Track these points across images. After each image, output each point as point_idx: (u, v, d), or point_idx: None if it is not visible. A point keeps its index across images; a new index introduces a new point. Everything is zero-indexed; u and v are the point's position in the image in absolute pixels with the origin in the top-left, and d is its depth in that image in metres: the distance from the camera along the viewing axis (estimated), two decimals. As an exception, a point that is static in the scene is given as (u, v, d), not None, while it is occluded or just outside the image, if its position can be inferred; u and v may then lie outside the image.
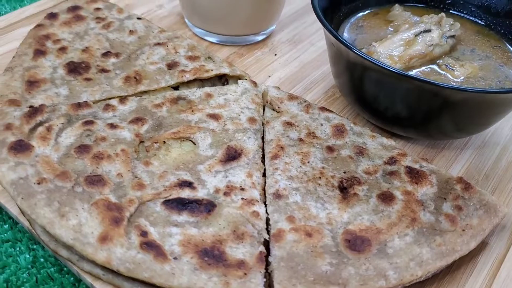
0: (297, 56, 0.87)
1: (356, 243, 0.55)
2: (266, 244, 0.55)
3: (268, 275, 0.53)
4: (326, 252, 0.54)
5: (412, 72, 0.71)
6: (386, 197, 0.60)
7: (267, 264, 0.53)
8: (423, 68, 0.72)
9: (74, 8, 0.83)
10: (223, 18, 0.85)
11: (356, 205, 0.59)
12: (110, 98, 0.70)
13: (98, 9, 0.84)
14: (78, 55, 0.75)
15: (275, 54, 0.87)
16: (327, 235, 0.55)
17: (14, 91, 0.68)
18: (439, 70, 0.72)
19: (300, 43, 0.90)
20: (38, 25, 0.79)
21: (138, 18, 0.83)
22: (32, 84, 0.69)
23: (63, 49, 0.75)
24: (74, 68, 0.72)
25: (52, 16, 0.80)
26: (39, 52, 0.74)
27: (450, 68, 0.71)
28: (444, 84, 0.61)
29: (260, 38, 0.89)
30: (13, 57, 0.73)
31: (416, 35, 0.73)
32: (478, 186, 0.68)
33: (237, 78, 0.76)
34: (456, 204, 0.59)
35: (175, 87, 0.74)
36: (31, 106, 0.66)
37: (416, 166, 0.64)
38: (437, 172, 0.63)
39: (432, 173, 0.63)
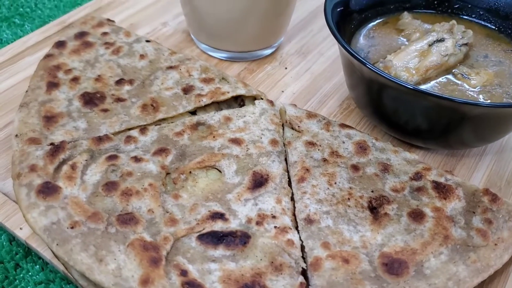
0: (308, 68, 0.87)
1: (393, 266, 0.55)
2: (304, 272, 0.56)
3: (309, 305, 0.54)
4: (365, 278, 0.54)
5: (430, 84, 0.71)
6: (417, 215, 0.60)
7: (308, 294, 0.54)
8: (440, 78, 0.72)
9: (81, 35, 0.81)
10: (231, 34, 0.84)
11: (388, 226, 0.59)
12: (130, 129, 0.69)
13: (105, 33, 0.83)
14: (91, 84, 0.74)
15: (286, 68, 0.87)
16: (363, 259, 0.56)
17: (33, 129, 0.67)
18: (455, 80, 0.72)
19: (309, 53, 0.90)
20: (47, 55, 0.78)
21: (147, 41, 0.82)
22: (49, 119, 0.68)
23: (75, 80, 0.74)
24: (90, 100, 0.71)
25: (61, 44, 0.79)
26: (52, 85, 0.73)
27: (466, 77, 0.71)
28: (461, 100, 0.61)
29: (269, 51, 0.88)
30: (26, 91, 0.72)
31: (430, 45, 0.73)
32: (501, 193, 0.69)
33: (253, 97, 0.75)
34: (486, 217, 0.60)
35: (192, 112, 0.73)
36: (51, 144, 0.65)
37: (442, 180, 0.64)
38: (463, 185, 0.64)
39: (458, 186, 0.63)
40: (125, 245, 0.55)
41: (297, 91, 0.82)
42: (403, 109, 0.68)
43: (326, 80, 0.85)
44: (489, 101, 0.69)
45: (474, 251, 0.57)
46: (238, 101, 0.76)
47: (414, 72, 0.71)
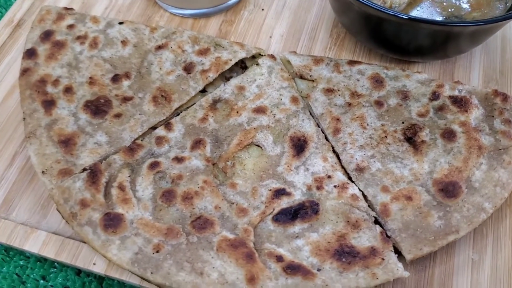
0: (283, 3, 0.85)
1: (448, 189, 0.61)
2: (376, 220, 0.61)
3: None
4: (431, 208, 0.60)
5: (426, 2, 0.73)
6: (449, 134, 0.65)
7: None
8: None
9: (46, 35, 0.74)
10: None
11: (429, 152, 0.64)
12: (154, 128, 0.67)
13: (71, 26, 0.75)
14: (88, 90, 0.69)
15: (263, 9, 0.84)
16: (421, 191, 0.61)
17: (56, 159, 0.63)
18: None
19: (278, -13, 0.87)
20: (24, 70, 0.70)
21: (120, 23, 0.76)
22: (67, 143, 0.64)
23: (69, 90, 0.69)
24: (96, 108, 0.67)
25: (31, 53, 0.72)
26: (48, 103, 0.68)
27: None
28: (452, 23, 0.67)
29: (239, -5, 0.85)
30: (24, 118, 0.67)
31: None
32: (498, 85, 0.75)
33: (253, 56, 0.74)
34: (504, 118, 0.66)
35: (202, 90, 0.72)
36: (84, 169, 0.63)
37: (456, 92, 0.69)
38: (474, 92, 0.69)
39: (471, 95, 0.69)
40: (215, 250, 0.56)
41: (284, 33, 0.81)
42: (404, 34, 0.70)
43: (306, 11, 0.84)
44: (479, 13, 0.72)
45: (506, 153, 0.64)
46: (239, 62, 0.74)
47: (404, -8, 0.72)
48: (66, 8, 0.77)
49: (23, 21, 0.81)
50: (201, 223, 0.59)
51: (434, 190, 0.61)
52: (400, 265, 0.56)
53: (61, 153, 0.64)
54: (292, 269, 0.55)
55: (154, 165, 0.63)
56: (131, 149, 0.64)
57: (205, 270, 0.55)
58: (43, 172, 0.62)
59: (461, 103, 0.68)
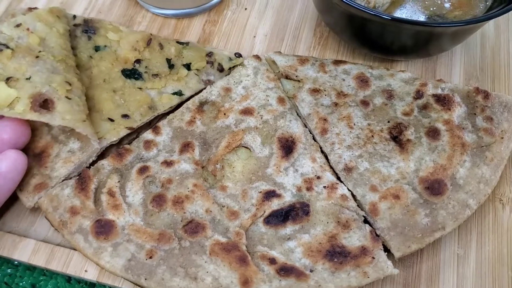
0: (266, 3, 0.85)
1: (434, 187, 0.62)
2: (365, 219, 0.62)
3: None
4: (417, 206, 0.61)
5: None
6: (433, 133, 0.67)
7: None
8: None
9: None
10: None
11: (414, 150, 0.66)
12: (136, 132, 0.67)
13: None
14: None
15: (246, 8, 0.84)
16: (408, 190, 0.63)
17: (31, 174, 0.63)
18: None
19: (259, -15, 0.87)
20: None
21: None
22: (39, 156, 0.64)
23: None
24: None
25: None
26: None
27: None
28: (434, 24, 0.67)
29: (221, -5, 0.85)
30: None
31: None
32: (479, 82, 0.77)
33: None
34: (486, 115, 0.68)
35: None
36: (79, 175, 0.62)
37: (439, 91, 0.71)
38: (456, 89, 0.71)
39: (453, 93, 0.70)
40: (207, 254, 0.57)
41: (267, 32, 0.82)
42: (387, 34, 0.71)
43: (289, 10, 0.84)
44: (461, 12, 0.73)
45: (488, 150, 0.66)
46: (216, 65, 0.74)
47: (386, -10, 0.73)
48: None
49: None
50: (193, 227, 0.59)
51: (420, 188, 0.63)
52: (389, 263, 0.57)
53: (36, 167, 0.63)
54: (285, 271, 0.56)
55: (143, 170, 0.63)
56: (120, 154, 0.64)
57: (199, 275, 0.56)
58: (20, 189, 0.62)
59: (444, 101, 0.69)
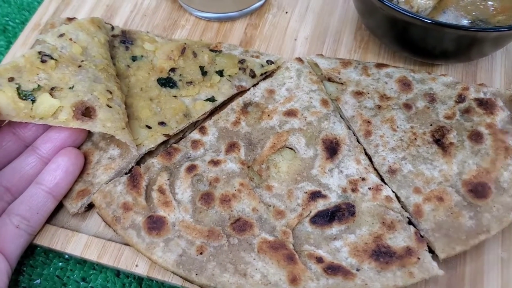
0: (307, 6, 0.86)
1: (478, 190, 0.63)
2: (409, 220, 0.62)
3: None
4: (461, 208, 0.62)
5: (445, 4, 0.75)
6: (476, 136, 0.67)
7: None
8: (454, -5, 0.75)
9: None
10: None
11: (457, 153, 0.66)
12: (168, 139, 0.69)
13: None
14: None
15: (286, 12, 0.86)
16: (451, 192, 0.63)
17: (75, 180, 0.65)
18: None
19: (300, -11, 0.88)
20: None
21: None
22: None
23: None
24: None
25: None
26: None
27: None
28: (477, 28, 0.67)
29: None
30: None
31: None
32: (520, 86, 0.77)
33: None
34: (529, 119, 0.68)
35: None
36: (128, 172, 0.65)
37: (481, 95, 0.71)
38: (498, 94, 0.71)
39: (496, 97, 0.70)
40: (256, 252, 0.58)
41: (308, 35, 0.83)
42: (429, 38, 0.72)
43: (329, 14, 0.85)
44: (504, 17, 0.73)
45: (533, 154, 0.66)
46: (248, 71, 0.76)
47: (429, -4, 0.74)
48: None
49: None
50: (241, 225, 0.60)
51: (464, 190, 0.63)
52: (435, 264, 0.58)
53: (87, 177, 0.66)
54: (333, 269, 0.57)
55: (191, 168, 0.65)
56: (168, 152, 0.66)
57: (248, 271, 0.57)
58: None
59: (486, 105, 0.69)
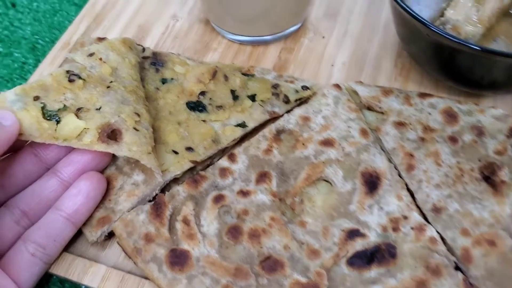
0: (345, 31, 0.82)
1: (534, 235, 0.57)
2: (456, 265, 0.57)
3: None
4: (516, 255, 0.56)
5: (495, 32, 0.70)
6: (531, 175, 0.61)
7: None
8: (503, 24, 0.71)
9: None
10: (262, 16, 0.77)
11: (510, 193, 0.60)
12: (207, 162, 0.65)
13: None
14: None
15: (323, 37, 0.82)
16: (504, 236, 0.57)
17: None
18: (518, 22, 0.71)
19: (338, 14, 0.85)
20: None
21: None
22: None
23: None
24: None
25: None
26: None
27: (527, 15, 0.70)
28: None
29: (300, 23, 0.83)
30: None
31: (482, -11, 0.71)
32: None
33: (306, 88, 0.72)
34: None
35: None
36: (152, 199, 0.61)
37: (533, 129, 0.65)
38: (553, 129, 0.65)
39: (551, 132, 0.65)
40: (293, 294, 0.53)
41: (346, 61, 0.79)
42: (477, 67, 0.67)
43: (368, 40, 0.81)
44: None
45: None
46: (282, 96, 0.71)
47: (478, 23, 0.69)
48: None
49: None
50: (271, 264, 0.55)
51: (519, 235, 0.57)
52: (486, 316, 0.52)
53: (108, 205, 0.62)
54: (371, 317, 0.52)
55: (218, 199, 0.60)
56: (195, 180, 0.62)
57: (278, 315, 0.52)
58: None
59: (541, 141, 0.64)
